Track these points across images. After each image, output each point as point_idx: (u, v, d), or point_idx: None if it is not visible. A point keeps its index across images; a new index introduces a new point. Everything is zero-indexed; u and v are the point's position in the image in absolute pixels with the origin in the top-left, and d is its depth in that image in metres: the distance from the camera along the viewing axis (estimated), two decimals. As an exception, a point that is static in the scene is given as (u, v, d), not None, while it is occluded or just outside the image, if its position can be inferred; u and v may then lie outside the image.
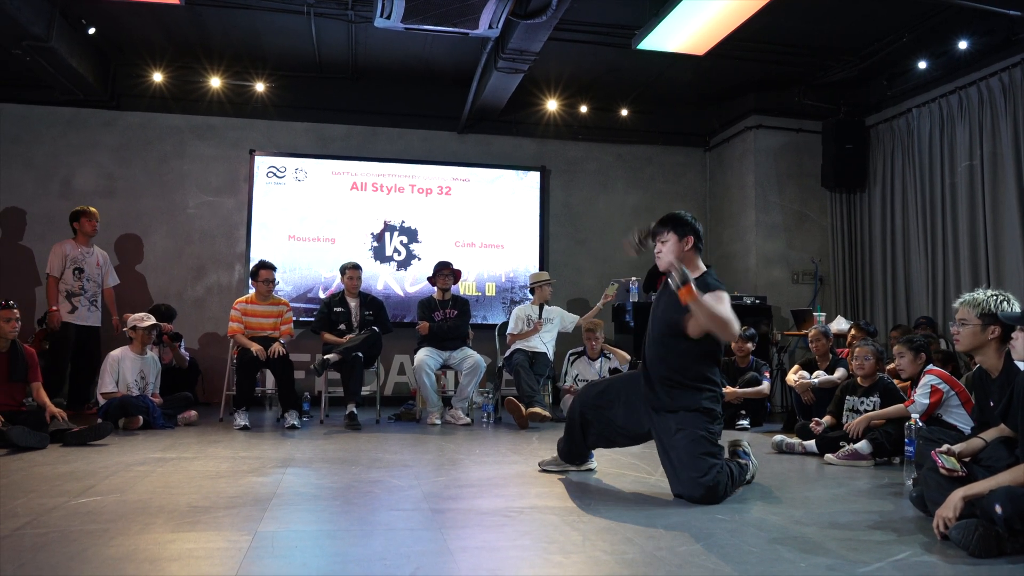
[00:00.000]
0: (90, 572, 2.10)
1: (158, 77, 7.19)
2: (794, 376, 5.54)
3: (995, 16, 5.68)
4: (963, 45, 6.26)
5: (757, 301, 7.08)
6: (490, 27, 5.52)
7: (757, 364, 6.10)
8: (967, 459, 2.90)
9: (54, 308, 6.05)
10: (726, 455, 3.48)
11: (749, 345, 6.08)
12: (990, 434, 2.96)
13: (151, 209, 7.33)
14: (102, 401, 5.34)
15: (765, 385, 5.95)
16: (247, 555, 2.28)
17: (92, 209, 6.38)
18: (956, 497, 2.55)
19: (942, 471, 2.81)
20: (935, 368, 4.23)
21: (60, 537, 2.45)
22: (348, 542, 2.52)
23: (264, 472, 3.71)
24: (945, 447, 2.87)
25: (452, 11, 5.31)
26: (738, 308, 6.78)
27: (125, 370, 5.49)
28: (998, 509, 2.41)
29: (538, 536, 2.59)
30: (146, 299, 7.11)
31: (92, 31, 6.37)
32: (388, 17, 5.39)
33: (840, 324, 6.41)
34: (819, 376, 5.40)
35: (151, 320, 5.68)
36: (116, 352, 5.55)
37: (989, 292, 3.09)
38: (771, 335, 7.07)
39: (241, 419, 5.41)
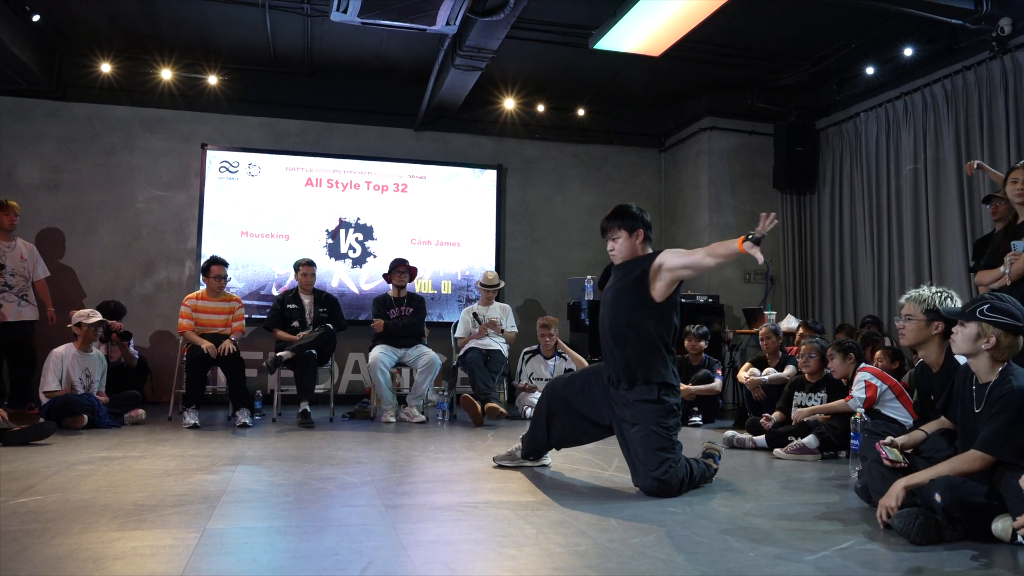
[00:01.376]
0: (29, 572, 2.03)
1: (106, 67, 7.00)
2: (745, 373, 5.65)
3: (939, 25, 5.87)
4: (908, 52, 6.45)
5: (710, 300, 7.19)
6: (448, 23, 5.50)
7: (710, 362, 6.20)
8: (909, 451, 2.99)
9: None
10: (700, 454, 3.55)
11: (702, 343, 6.18)
12: (931, 426, 3.05)
13: (98, 203, 7.13)
14: (45, 400, 5.18)
15: (717, 382, 6.05)
16: (195, 552, 2.23)
17: (11, 203, 6.19)
18: (898, 487, 2.63)
19: (885, 462, 2.89)
20: (868, 365, 4.39)
21: (-2, 537, 2.37)
22: (299, 538, 2.49)
23: (214, 470, 3.64)
24: (888, 439, 2.95)
25: (409, 6, 5.27)
26: (691, 307, 6.98)
27: (69, 368, 5.33)
28: (938, 498, 2.49)
29: (492, 530, 2.59)
30: (93, 296, 6.91)
31: (36, 18, 6.19)
32: (345, 11, 5.33)
33: (790, 323, 6.55)
34: (769, 373, 5.52)
35: (97, 317, 5.53)
36: (60, 349, 5.38)
37: (934, 289, 3.18)
38: (723, 333, 7.19)
39: (191, 418, 5.30)
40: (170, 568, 2.08)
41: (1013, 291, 3.25)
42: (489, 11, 5.54)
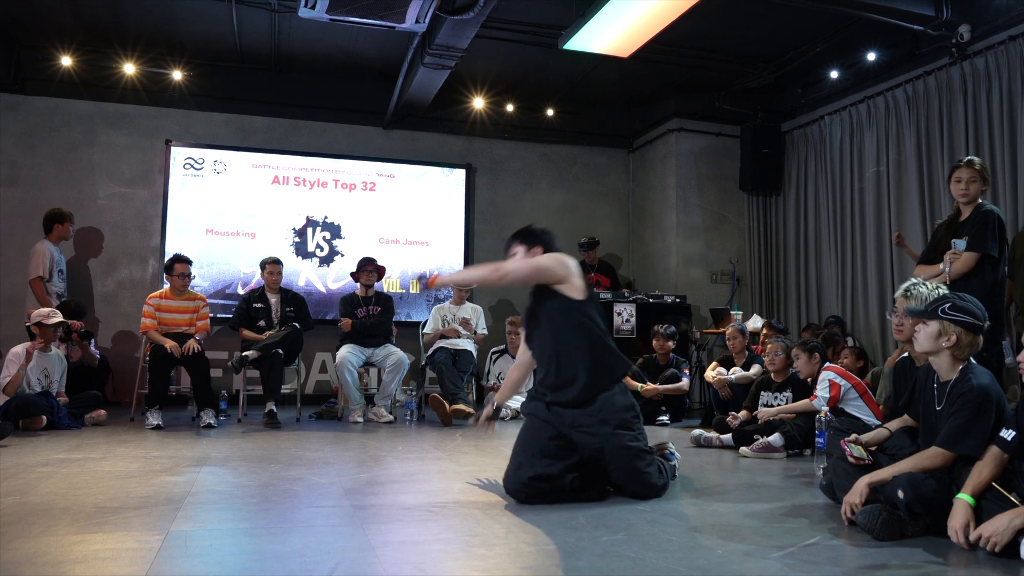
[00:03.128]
0: (-15, 576, 1.98)
1: (67, 61, 6.85)
2: (712, 372, 5.70)
3: (901, 31, 5.99)
4: (871, 57, 6.58)
5: (677, 300, 7.25)
6: (417, 21, 5.47)
7: (677, 361, 6.25)
8: (873, 448, 3.04)
9: None
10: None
11: (669, 343, 6.22)
12: (894, 424, 3.10)
13: (58, 199, 6.92)
14: (2, 399, 5.04)
15: (684, 382, 6.10)
16: (158, 555, 2.19)
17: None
18: (862, 484, 2.67)
19: (850, 459, 2.93)
20: (832, 365, 4.46)
21: (-48, 541, 2.30)
22: (266, 540, 2.46)
23: (178, 471, 3.58)
24: (853, 436, 2.99)
25: (379, 4, 5.23)
26: (659, 307, 7.02)
27: (28, 367, 5.20)
28: (900, 494, 2.53)
29: (461, 530, 2.58)
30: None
31: (-7, 9, 6.02)
32: (313, 8, 5.28)
33: (756, 322, 6.63)
34: (736, 372, 5.58)
35: (58, 317, 5.39)
36: (18, 348, 5.25)
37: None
38: (690, 333, 7.26)
39: (153, 418, 5.20)
40: (133, 571, 2.03)
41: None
42: (459, 10, 5.53)
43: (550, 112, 8.33)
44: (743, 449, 4.39)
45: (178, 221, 7.23)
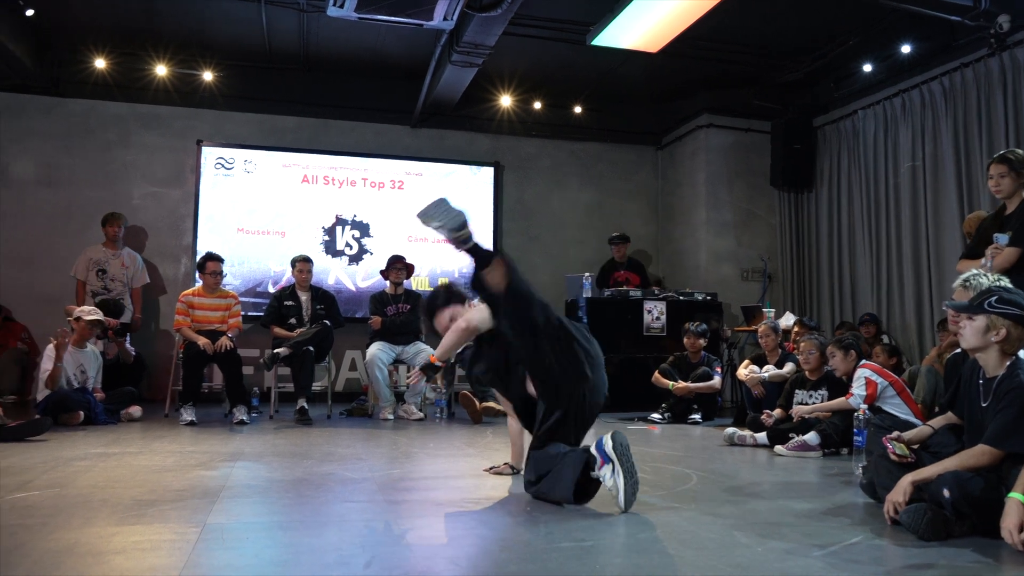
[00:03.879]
0: (29, 566, 1.99)
1: (101, 63, 6.95)
2: (744, 371, 5.63)
3: (937, 22, 5.86)
4: (906, 49, 6.45)
5: (708, 298, 7.17)
6: (445, 19, 5.47)
7: (708, 359, 6.18)
8: (916, 446, 2.96)
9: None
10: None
11: (701, 341, 6.16)
12: (937, 421, 3.03)
13: (94, 200, 7.05)
14: (43, 393, 5.12)
15: (716, 380, 6.03)
16: (195, 547, 2.19)
17: (117, 214, 6.70)
18: (905, 482, 2.61)
19: (892, 457, 2.86)
20: (868, 362, 4.37)
21: (-6, 532, 2.33)
22: (301, 533, 2.45)
23: (212, 466, 3.60)
24: (895, 434, 2.92)
25: (407, 1, 5.25)
26: (690, 305, 6.96)
27: (64, 363, 5.27)
28: (946, 493, 2.46)
29: (495, 526, 2.57)
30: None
31: (30, 13, 6.11)
32: (341, 6, 5.30)
33: (788, 320, 6.54)
34: (769, 370, 5.50)
35: (98, 315, 5.47)
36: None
37: (993, 277, 3.11)
38: (721, 331, 7.18)
39: (187, 414, 5.25)
40: (172, 562, 2.04)
41: None
42: (486, 6, 5.52)
43: (578, 109, 8.28)
44: (778, 448, 4.32)
45: (209, 220, 7.30)
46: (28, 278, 6.83)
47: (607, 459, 2.64)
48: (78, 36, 6.78)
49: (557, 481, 2.74)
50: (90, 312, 5.42)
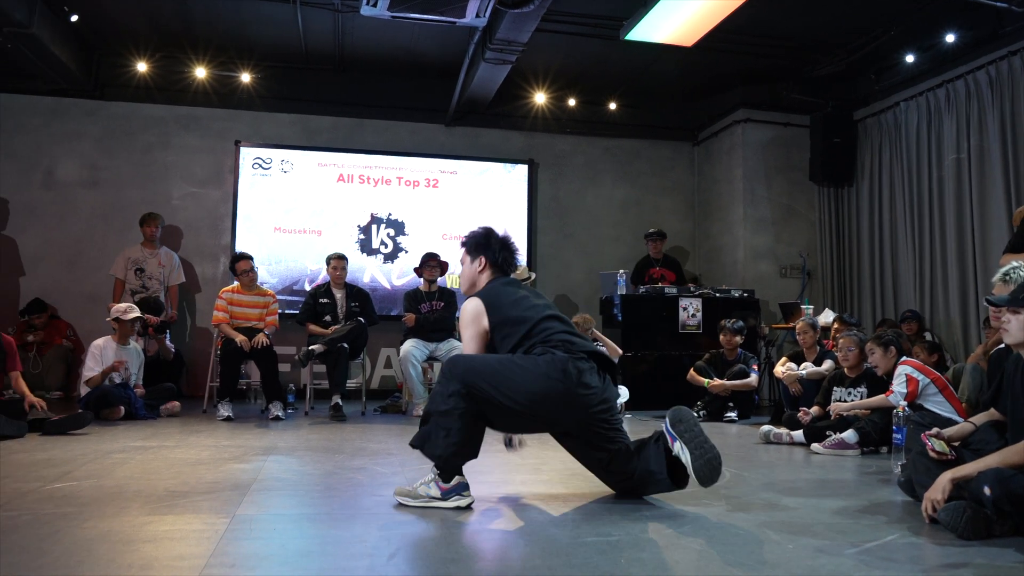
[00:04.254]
0: (62, 552, 2.04)
1: (142, 67, 7.10)
2: (781, 368, 5.54)
3: (982, 8, 5.70)
4: (950, 38, 6.28)
5: (745, 295, 7.07)
6: (477, 16, 5.48)
7: (745, 357, 6.09)
8: (957, 443, 2.88)
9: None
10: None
11: (737, 338, 6.08)
12: (980, 418, 2.93)
13: (135, 200, 7.22)
14: (85, 390, 5.26)
15: (753, 377, 5.94)
16: (224, 536, 2.22)
17: (155, 214, 6.87)
18: (945, 479, 2.53)
19: (931, 454, 2.78)
20: (909, 359, 4.25)
21: (32, 520, 2.39)
22: (328, 525, 2.47)
23: (245, 460, 3.65)
24: (934, 430, 2.84)
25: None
26: (726, 302, 6.87)
27: (107, 360, 5.40)
28: (987, 491, 2.38)
29: (523, 520, 2.55)
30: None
31: (75, 18, 6.29)
32: (374, 5, 5.34)
33: (827, 317, 6.41)
34: (807, 368, 5.39)
35: (135, 312, 5.59)
36: (99, 341, 5.48)
37: None
38: (759, 328, 7.06)
39: (224, 410, 5.34)
40: (199, 551, 2.07)
41: None
42: (519, 2, 5.51)
43: (613, 106, 8.23)
44: (815, 446, 4.24)
45: (247, 220, 7.42)
46: (73, 277, 7.03)
47: (673, 436, 2.70)
48: (120, 40, 6.94)
49: (649, 480, 2.77)
50: (126, 311, 5.54)
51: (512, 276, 3.14)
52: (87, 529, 2.28)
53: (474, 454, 2.73)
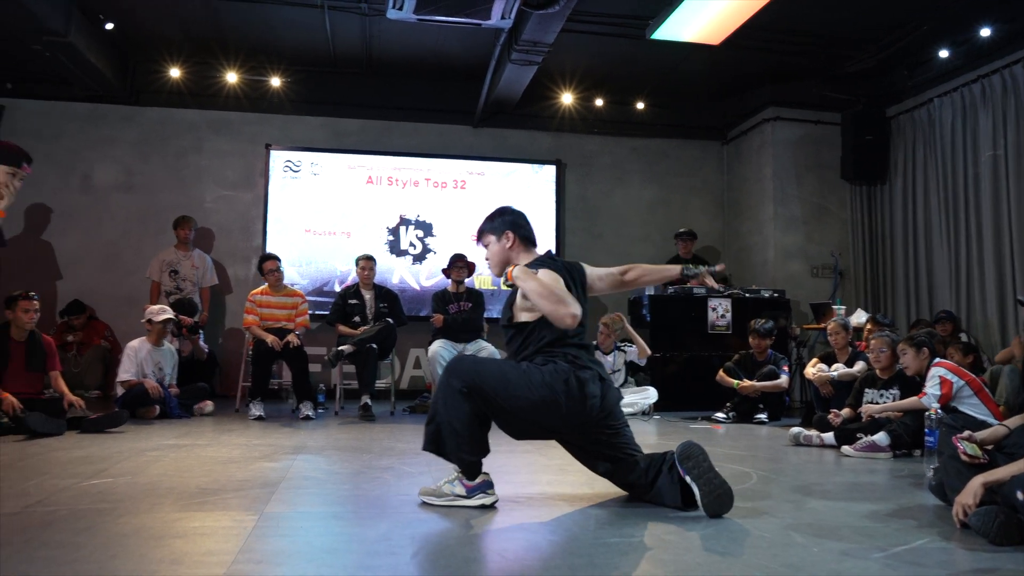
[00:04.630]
0: (97, 546, 2.09)
1: (175, 73, 7.24)
2: (812, 369, 5.47)
3: (1018, 1, 5.57)
4: (985, 32, 6.15)
5: (775, 295, 7.00)
6: (503, 17, 5.51)
7: (775, 358, 6.03)
8: (990, 447, 2.82)
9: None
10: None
11: (766, 340, 6.02)
12: (1014, 421, 2.89)
13: (169, 204, 7.36)
14: (120, 390, 5.38)
15: (783, 379, 5.87)
16: (251, 533, 2.26)
17: (188, 218, 6.99)
18: (976, 483, 2.48)
19: (963, 457, 2.73)
20: (943, 361, 4.17)
21: (69, 514, 2.46)
22: (354, 523, 2.51)
23: (275, 458, 3.71)
24: (966, 433, 2.79)
25: (464, 1, 5.29)
26: (756, 302, 6.80)
27: (143, 360, 5.52)
28: (1020, 495, 2.34)
29: (546, 520, 2.56)
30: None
31: (110, 26, 6.43)
32: (400, 8, 5.39)
33: (860, 317, 6.31)
34: (838, 369, 5.32)
35: (168, 314, 5.70)
36: (135, 343, 5.59)
37: None
38: (790, 329, 6.99)
39: (256, 409, 5.42)
40: (228, 547, 2.11)
41: None
42: (544, 3, 5.51)
43: (640, 105, 8.20)
44: (846, 448, 4.18)
45: (278, 222, 7.52)
46: (110, 279, 7.19)
47: (683, 471, 2.65)
48: (154, 47, 7.09)
49: (665, 495, 2.73)
50: (159, 312, 5.65)
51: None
52: (121, 524, 2.34)
53: (486, 451, 2.75)
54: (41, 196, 7.17)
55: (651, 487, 2.76)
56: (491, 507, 2.68)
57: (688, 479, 2.65)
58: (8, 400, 4.39)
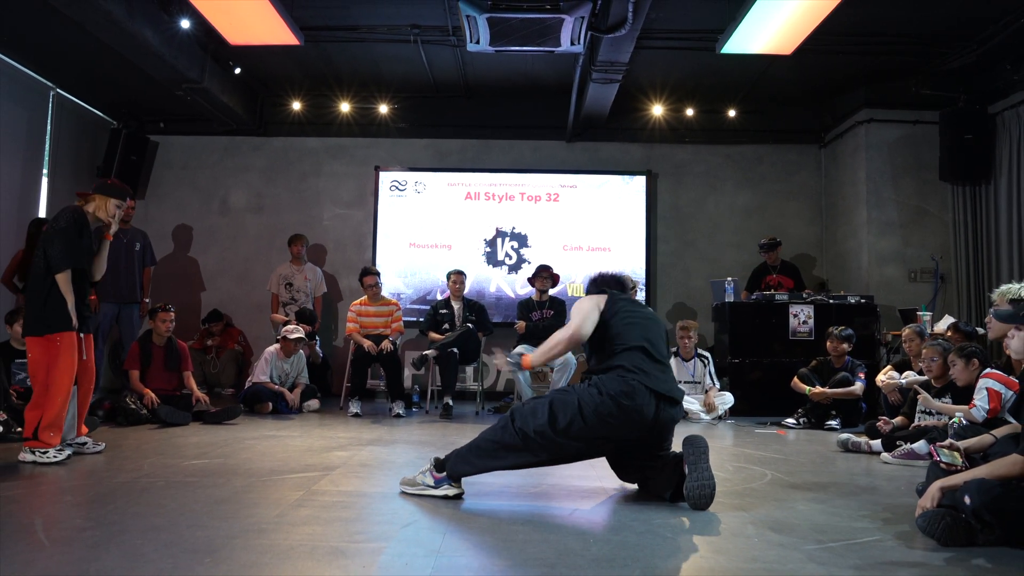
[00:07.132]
0: (174, 508, 2.71)
1: (296, 105, 8.14)
2: (883, 376, 5.45)
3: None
4: (1087, 24, 5.83)
5: (862, 300, 6.90)
6: (572, 43, 5.88)
7: (852, 365, 6.01)
8: (979, 455, 2.92)
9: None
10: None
11: (844, 346, 6.01)
12: (1002, 431, 2.96)
13: (293, 223, 8.26)
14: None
15: (858, 386, 5.85)
16: (289, 505, 2.82)
17: (300, 236, 7.73)
18: (935, 488, 2.63)
19: (941, 465, 2.86)
20: (993, 371, 4.11)
21: (164, 485, 3.13)
22: (385, 503, 2.96)
23: (348, 448, 4.30)
24: (948, 441, 2.91)
25: (533, 32, 5.72)
26: (840, 308, 6.76)
27: (273, 366, 6.33)
28: (967, 500, 2.48)
29: (564, 515, 2.94)
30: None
31: (238, 71, 7.37)
32: (478, 42, 5.90)
33: (944, 324, 6.15)
34: (908, 376, 5.28)
35: (299, 334, 6.44)
36: (271, 350, 6.41)
37: None
38: (880, 335, 6.88)
39: (354, 407, 6.10)
40: (267, 516, 2.67)
41: None
42: (611, 28, 5.81)
43: (732, 113, 8.27)
44: (884, 455, 4.24)
45: (386, 237, 8.27)
46: (243, 290, 8.20)
47: (684, 457, 2.98)
48: (277, 84, 8.02)
49: (665, 485, 3.06)
50: (292, 331, 6.43)
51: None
52: (198, 494, 2.97)
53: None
54: (185, 218, 8.31)
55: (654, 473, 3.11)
56: (454, 498, 2.99)
57: (687, 466, 2.95)
58: (148, 395, 5.30)
